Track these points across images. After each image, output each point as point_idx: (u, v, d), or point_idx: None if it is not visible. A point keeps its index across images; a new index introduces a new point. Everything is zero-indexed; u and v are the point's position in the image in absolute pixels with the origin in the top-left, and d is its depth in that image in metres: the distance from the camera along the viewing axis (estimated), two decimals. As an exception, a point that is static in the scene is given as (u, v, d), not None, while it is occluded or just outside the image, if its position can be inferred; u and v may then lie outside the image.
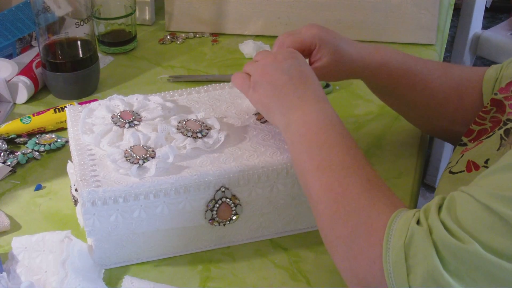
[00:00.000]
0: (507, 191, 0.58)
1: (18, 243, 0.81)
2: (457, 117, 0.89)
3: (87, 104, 0.90)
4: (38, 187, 0.94)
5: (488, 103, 0.82)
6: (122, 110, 0.86)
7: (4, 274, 0.76)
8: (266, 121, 0.86)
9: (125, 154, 0.79)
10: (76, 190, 0.84)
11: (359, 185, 0.67)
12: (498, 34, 1.96)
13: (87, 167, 0.79)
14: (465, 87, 0.88)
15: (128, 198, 0.76)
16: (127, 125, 0.84)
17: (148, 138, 0.81)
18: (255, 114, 0.88)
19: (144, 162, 0.78)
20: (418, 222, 0.61)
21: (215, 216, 0.80)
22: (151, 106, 0.87)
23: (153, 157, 0.78)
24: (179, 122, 0.84)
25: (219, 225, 0.81)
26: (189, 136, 0.82)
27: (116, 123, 0.84)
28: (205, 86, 0.94)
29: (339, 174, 0.68)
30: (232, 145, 0.83)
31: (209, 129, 0.84)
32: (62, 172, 0.95)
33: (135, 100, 0.88)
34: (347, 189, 0.67)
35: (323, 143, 0.71)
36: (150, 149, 0.79)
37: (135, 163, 0.77)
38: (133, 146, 0.80)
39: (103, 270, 0.79)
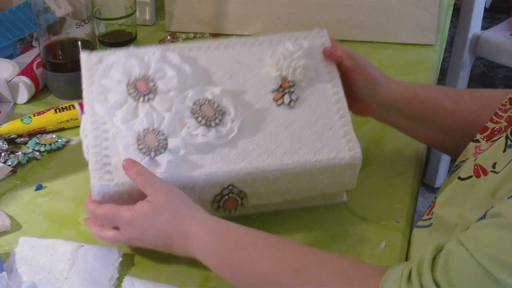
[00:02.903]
0: (507, 255, 0.56)
1: (25, 242, 0.81)
2: None
3: (101, 53, 0.87)
4: (39, 187, 0.94)
5: (506, 101, 0.81)
6: (138, 73, 0.84)
7: (4, 273, 0.76)
8: (282, 103, 0.85)
9: (137, 139, 0.79)
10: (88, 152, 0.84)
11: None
12: (497, 35, 1.96)
13: (100, 151, 0.79)
14: (495, 106, 0.85)
15: (135, 195, 0.77)
16: (141, 98, 0.82)
17: (162, 119, 0.81)
18: (272, 91, 0.86)
19: (155, 154, 0.78)
20: (409, 278, 0.60)
21: (221, 206, 0.82)
22: (167, 73, 0.84)
23: (165, 149, 0.79)
24: (194, 103, 0.83)
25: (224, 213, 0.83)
26: (202, 124, 0.81)
27: (131, 94, 0.83)
28: (225, 40, 0.91)
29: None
30: (245, 136, 0.82)
31: (223, 113, 0.83)
32: (62, 172, 0.95)
33: (152, 59, 0.85)
34: None
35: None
36: (162, 138, 0.79)
37: (147, 155, 0.78)
38: (146, 130, 0.80)
39: (117, 276, 0.78)
